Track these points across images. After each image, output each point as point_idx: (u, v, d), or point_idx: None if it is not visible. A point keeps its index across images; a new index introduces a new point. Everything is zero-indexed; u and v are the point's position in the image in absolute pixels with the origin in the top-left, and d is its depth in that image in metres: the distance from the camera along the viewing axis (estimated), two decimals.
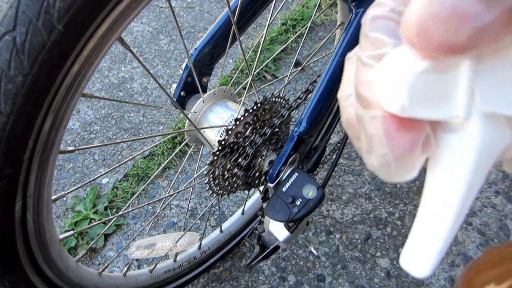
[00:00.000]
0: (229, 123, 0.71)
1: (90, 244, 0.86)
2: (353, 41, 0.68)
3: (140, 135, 1.39)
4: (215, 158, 0.68)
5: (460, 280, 0.26)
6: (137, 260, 1.10)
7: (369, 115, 0.18)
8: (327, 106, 0.68)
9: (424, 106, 0.17)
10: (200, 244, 1.01)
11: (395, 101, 0.17)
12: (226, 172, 0.72)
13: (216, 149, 0.67)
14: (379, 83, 0.18)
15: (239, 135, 0.68)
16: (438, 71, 0.16)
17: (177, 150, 0.88)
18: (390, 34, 0.18)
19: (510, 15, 0.13)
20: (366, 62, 0.18)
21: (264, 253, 0.75)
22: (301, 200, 0.63)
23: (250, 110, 0.68)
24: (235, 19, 0.65)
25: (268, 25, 0.72)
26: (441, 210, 0.18)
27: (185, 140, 0.79)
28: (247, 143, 0.70)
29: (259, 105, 0.69)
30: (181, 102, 0.79)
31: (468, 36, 0.14)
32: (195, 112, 0.74)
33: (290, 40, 1.16)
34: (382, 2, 0.18)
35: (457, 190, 0.18)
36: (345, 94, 0.21)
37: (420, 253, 0.19)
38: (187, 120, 0.73)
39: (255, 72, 1.38)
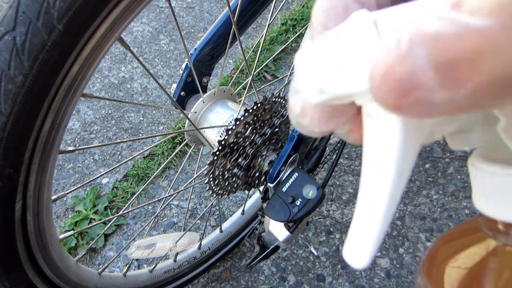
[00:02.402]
0: (229, 123, 0.71)
1: (90, 244, 0.85)
2: None
3: (140, 135, 1.39)
4: (215, 158, 0.68)
5: (424, 256, 0.26)
6: (137, 260, 1.10)
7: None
8: None
9: (338, 82, 0.16)
10: (200, 244, 1.01)
11: (314, 86, 0.17)
12: (226, 172, 0.72)
13: (216, 149, 0.67)
14: (299, 75, 0.17)
15: (239, 135, 0.68)
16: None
17: (177, 150, 0.88)
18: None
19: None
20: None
21: (264, 253, 0.75)
22: (301, 200, 0.63)
23: (250, 110, 0.68)
24: (235, 19, 0.65)
25: (268, 25, 0.72)
26: (372, 202, 0.18)
27: (185, 140, 0.79)
28: (247, 143, 0.70)
29: (259, 105, 0.69)
30: (181, 102, 0.79)
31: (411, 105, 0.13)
32: (195, 112, 0.74)
33: (290, 40, 1.16)
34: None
35: (385, 181, 0.17)
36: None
37: (358, 246, 0.19)
38: (187, 120, 0.73)
39: (255, 72, 1.38)
